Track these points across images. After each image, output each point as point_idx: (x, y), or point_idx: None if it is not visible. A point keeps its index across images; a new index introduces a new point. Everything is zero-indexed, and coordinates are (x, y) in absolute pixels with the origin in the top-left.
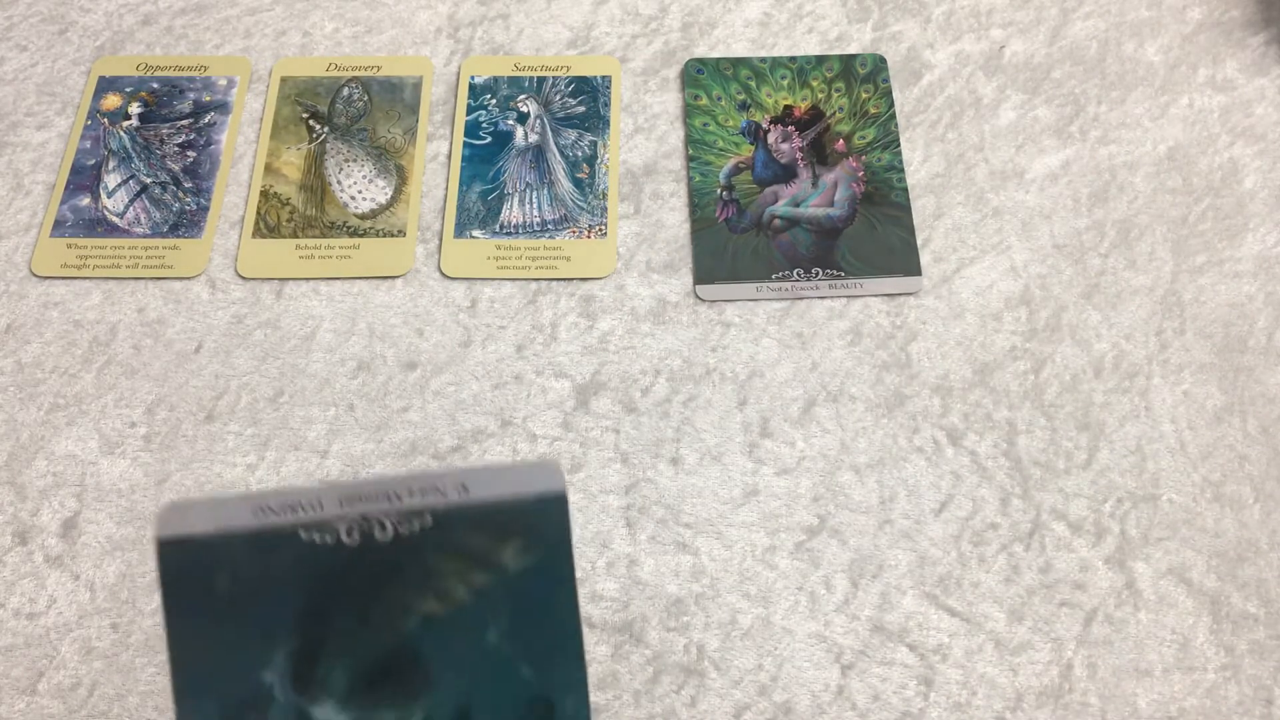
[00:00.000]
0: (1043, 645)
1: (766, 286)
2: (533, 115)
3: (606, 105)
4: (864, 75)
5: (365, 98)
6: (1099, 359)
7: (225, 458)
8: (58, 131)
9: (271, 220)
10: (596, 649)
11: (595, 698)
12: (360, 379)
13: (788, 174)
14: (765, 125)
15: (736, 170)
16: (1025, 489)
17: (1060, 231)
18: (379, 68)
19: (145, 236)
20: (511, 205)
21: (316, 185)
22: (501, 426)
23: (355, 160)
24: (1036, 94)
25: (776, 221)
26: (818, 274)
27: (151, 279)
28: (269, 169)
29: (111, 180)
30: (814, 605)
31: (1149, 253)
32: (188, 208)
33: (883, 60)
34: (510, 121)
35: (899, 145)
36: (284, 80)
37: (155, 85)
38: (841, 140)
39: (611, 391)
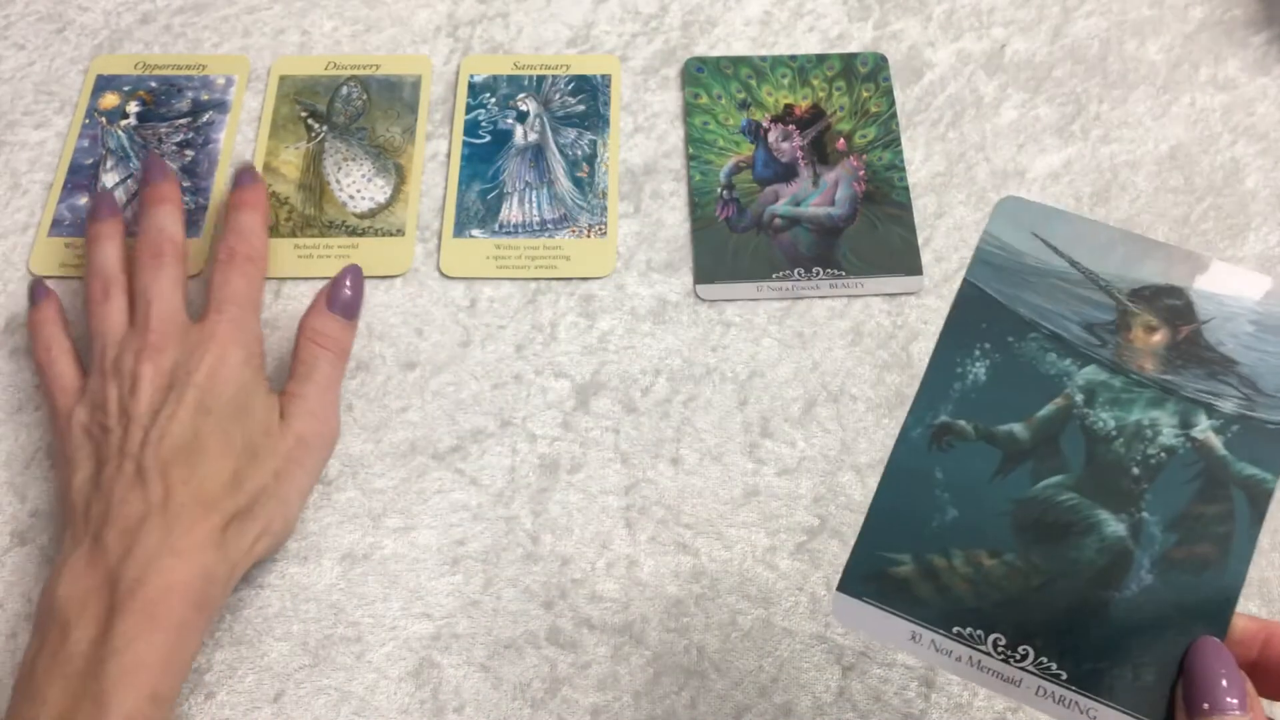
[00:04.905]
0: None
1: (767, 286)
2: (532, 114)
3: (606, 104)
4: (865, 74)
5: (364, 96)
6: None
7: None
8: (55, 130)
9: (270, 219)
10: (596, 650)
11: (595, 698)
12: (359, 379)
13: (788, 173)
14: (766, 124)
15: (737, 169)
16: None
17: None
18: (378, 66)
19: None
20: (511, 204)
21: (315, 184)
22: (501, 426)
23: (354, 159)
24: (1038, 93)
25: (777, 221)
26: (818, 273)
27: None
28: (267, 168)
29: (109, 179)
30: (814, 606)
31: None
32: (186, 207)
33: (884, 59)
34: (509, 120)
35: (900, 144)
36: (282, 79)
37: (153, 84)
38: (842, 139)
39: (611, 391)
